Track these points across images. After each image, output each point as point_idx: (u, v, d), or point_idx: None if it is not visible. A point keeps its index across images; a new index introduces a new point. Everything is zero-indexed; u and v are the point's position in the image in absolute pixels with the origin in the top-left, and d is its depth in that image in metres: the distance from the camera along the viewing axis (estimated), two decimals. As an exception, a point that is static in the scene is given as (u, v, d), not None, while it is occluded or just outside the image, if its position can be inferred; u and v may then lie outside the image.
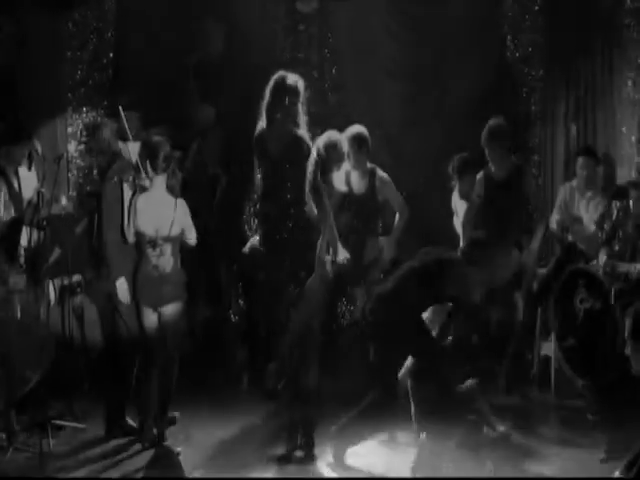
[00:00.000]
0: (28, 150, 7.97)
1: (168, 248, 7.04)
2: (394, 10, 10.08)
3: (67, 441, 7.33)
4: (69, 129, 9.37)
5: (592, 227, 8.64)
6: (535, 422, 7.85)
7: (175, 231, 7.04)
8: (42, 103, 9.11)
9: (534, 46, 9.76)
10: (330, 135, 7.97)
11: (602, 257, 8.23)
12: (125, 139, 7.38)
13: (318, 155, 7.93)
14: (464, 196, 8.49)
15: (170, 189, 7.11)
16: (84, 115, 9.41)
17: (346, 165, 8.09)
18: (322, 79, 10.47)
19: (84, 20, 9.39)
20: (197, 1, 9.94)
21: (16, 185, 7.89)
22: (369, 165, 8.25)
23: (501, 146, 8.33)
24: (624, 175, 9.08)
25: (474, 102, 9.79)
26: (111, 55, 9.68)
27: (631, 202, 8.12)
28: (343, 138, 7.97)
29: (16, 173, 7.91)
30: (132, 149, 7.28)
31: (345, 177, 8.10)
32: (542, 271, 8.56)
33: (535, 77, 9.78)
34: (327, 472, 6.82)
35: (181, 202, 7.12)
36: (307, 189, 7.98)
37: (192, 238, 7.27)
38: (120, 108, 7.42)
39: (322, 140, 7.94)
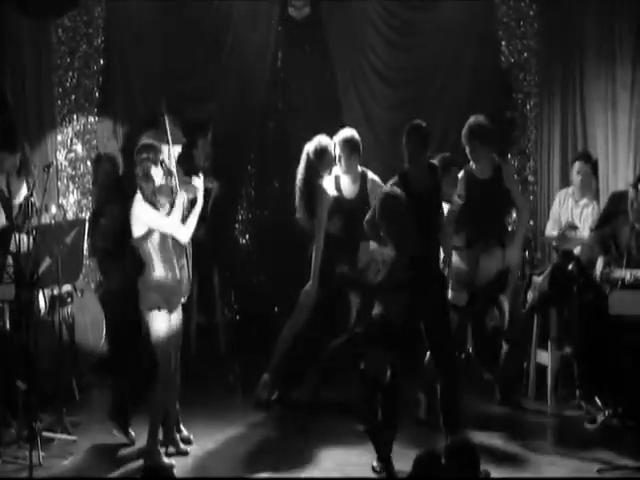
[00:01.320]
0: (20, 160, 8.03)
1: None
2: (388, 15, 10.10)
3: (57, 454, 7.29)
4: (59, 137, 9.34)
5: (587, 234, 8.66)
6: (530, 433, 7.82)
7: (135, 233, 6.95)
8: (31, 111, 9.11)
9: (529, 52, 9.76)
10: (320, 140, 8.02)
11: (599, 264, 8.26)
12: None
13: (308, 161, 7.98)
14: (445, 197, 8.40)
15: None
16: (74, 122, 9.38)
17: (337, 169, 8.13)
18: (316, 84, 10.51)
19: (74, 26, 9.37)
20: (189, 6, 9.95)
21: (6, 193, 7.93)
22: (360, 169, 8.23)
23: (482, 144, 8.26)
24: (620, 179, 9.08)
25: (468, 108, 9.80)
26: (101, 62, 9.67)
27: (629, 205, 8.12)
28: (332, 143, 8.03)
29: (7, 181, 7.96)
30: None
31: (335, 182, 8.14)
32: (538, 279, 8.54)
33: (530, 83, 9.78)
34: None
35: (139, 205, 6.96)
36: (297, 196, 8.02)
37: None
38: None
39: (312, 145, 7.98)
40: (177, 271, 7.02)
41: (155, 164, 6.99)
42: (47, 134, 9.24)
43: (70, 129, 9.33)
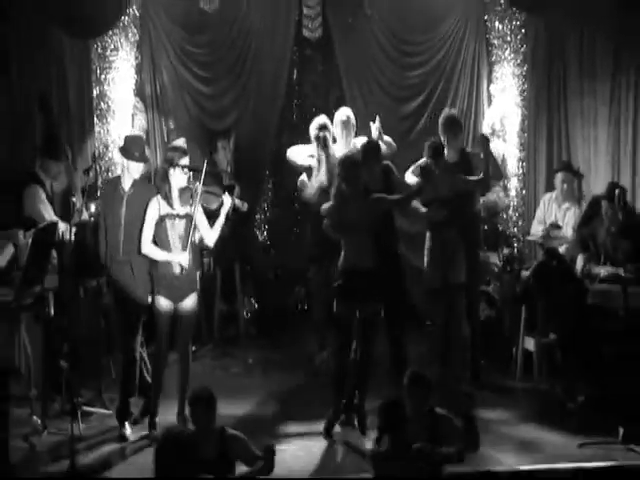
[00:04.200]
0: (64, 167, 8.08)
1: None
2: (392, 37, 10.15)
3: (96, 426, 7.33)
4: (97, 143, 9.34)
5: (569, 233, 8.67)
6: (517, 410, 7.81)
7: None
8: (74, 119, 9.14)
9: (514, 75, 9.85)
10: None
11: (580, 261, 8.28)
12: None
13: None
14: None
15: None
16: (111, 131, 9.38)
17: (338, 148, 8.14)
18: (327, 98, 10.53)
19: (111, 45, 9.39)
20: (214, 28, 9.96)
21: (51, 194, 7.98)
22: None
23: (455, 133, 8.32)
24: (600, 185, 9.11)
25: (464, 121, 9.85)
26: (135, 77, 9.69)
27: (603, 212, 8.19)
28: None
29: (51, 184, 8.01)
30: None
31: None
32: (525, 273, 8.57)
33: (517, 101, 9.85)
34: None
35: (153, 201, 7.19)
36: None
37: None
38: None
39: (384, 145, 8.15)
40: (174, 266, 7.09)
41: (172, 166, 7.08)
42: (87, 141, 9.24)
43: (108, 137, 9.30)
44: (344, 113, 8.36)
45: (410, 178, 8.20)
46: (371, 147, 7.70)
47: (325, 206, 7.28)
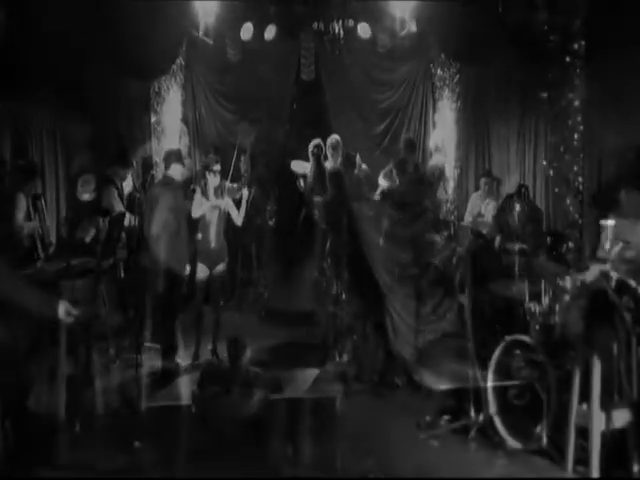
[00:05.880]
0: (130, 170, 8.23)
1: None
2: (366, 79, 10.27)
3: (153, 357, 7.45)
4: (153, 155, 9.53)
5: (490, 220, 8.87)
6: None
7: (193, 213, 7.50)
8: (138, 137, 9.31)
9: (452, 108, 9.97)
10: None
11: (497, 239, 8.46)
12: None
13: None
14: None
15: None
16: (163, 147, 9.49)
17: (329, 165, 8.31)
18: (318, 122, 10.65)
19: (163, 85, 9.52)
20: (235, 71, 10.07)
21: (122, 192, 8.16)
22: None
23: (412, 151, 8.53)
24: (511, 186, 9.36)
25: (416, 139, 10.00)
26: (180, 108, 9.82)
27: (515, 205, 8.37)
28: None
29: (121, 184, 8.19)
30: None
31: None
32: (460, 249, 8.72)
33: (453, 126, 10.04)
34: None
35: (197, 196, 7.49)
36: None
37: None
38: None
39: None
40: (211, 242, 7.39)
41: (207, 171, 7.45)
42: (147, 155, 9.41)
43: (162, 151, 9.41)
44: (334, 138, 8.50)
45: (382, 181, 8.35)
46: (347, 158, 7.83)
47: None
